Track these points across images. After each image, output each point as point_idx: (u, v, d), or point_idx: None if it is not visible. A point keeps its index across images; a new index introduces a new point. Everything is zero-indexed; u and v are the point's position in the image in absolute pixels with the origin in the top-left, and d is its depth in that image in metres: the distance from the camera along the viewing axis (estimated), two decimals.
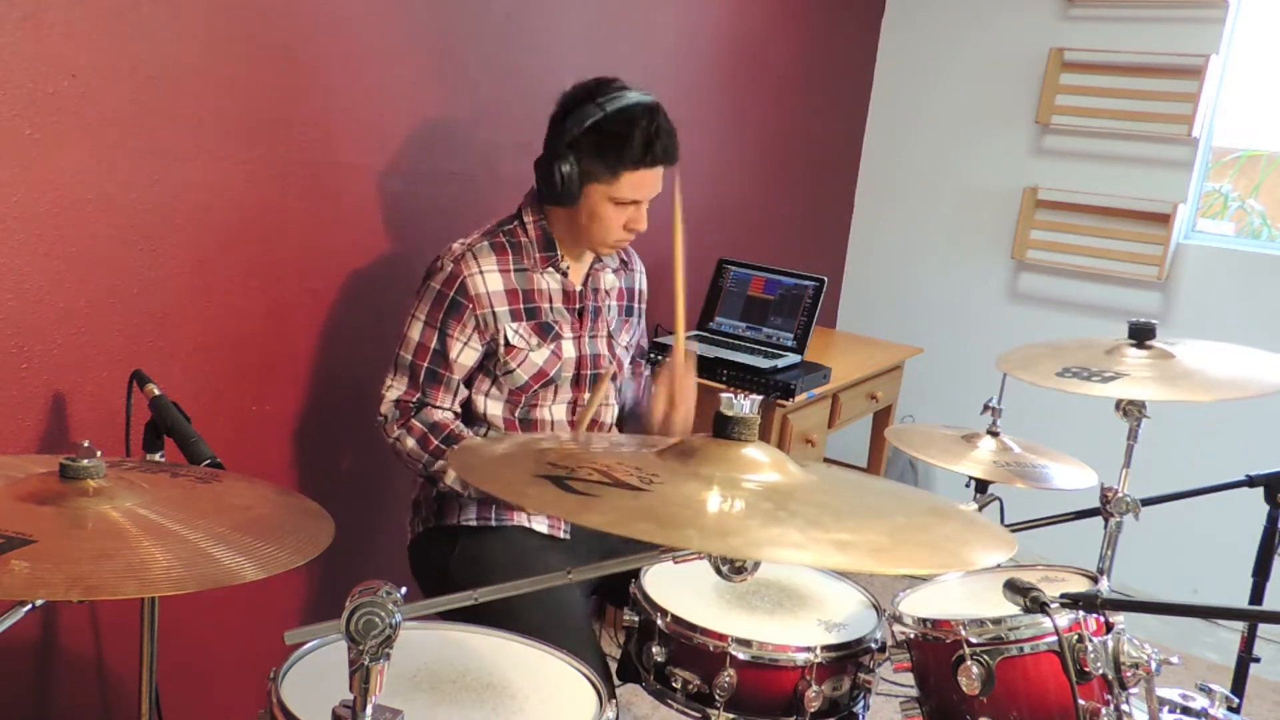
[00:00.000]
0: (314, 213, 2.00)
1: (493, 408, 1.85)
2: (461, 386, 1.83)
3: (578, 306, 1.89)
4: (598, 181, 1.76)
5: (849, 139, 4.08)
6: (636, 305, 2.04)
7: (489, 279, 1.79)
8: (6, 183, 1.52)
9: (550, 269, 1.86)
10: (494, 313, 1.79)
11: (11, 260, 1.55)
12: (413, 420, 1.79)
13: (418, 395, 1.81)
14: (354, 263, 2.11)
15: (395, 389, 1.82)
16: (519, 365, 1.81)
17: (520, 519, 1.84)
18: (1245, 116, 3.62)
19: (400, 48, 2.09)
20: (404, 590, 0.93)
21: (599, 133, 1.73)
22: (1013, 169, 3.81)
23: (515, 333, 1.80)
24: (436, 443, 1.77)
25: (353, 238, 2.10)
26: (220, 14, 1.75)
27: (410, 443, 1.78)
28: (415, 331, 1.81)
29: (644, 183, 1.78)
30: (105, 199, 1.65)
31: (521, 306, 1.81)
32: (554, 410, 1.88)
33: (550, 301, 1.85)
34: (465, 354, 1.80)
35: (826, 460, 3.18)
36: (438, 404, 1.81)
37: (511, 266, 1.82)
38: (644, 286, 2.07)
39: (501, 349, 1.80)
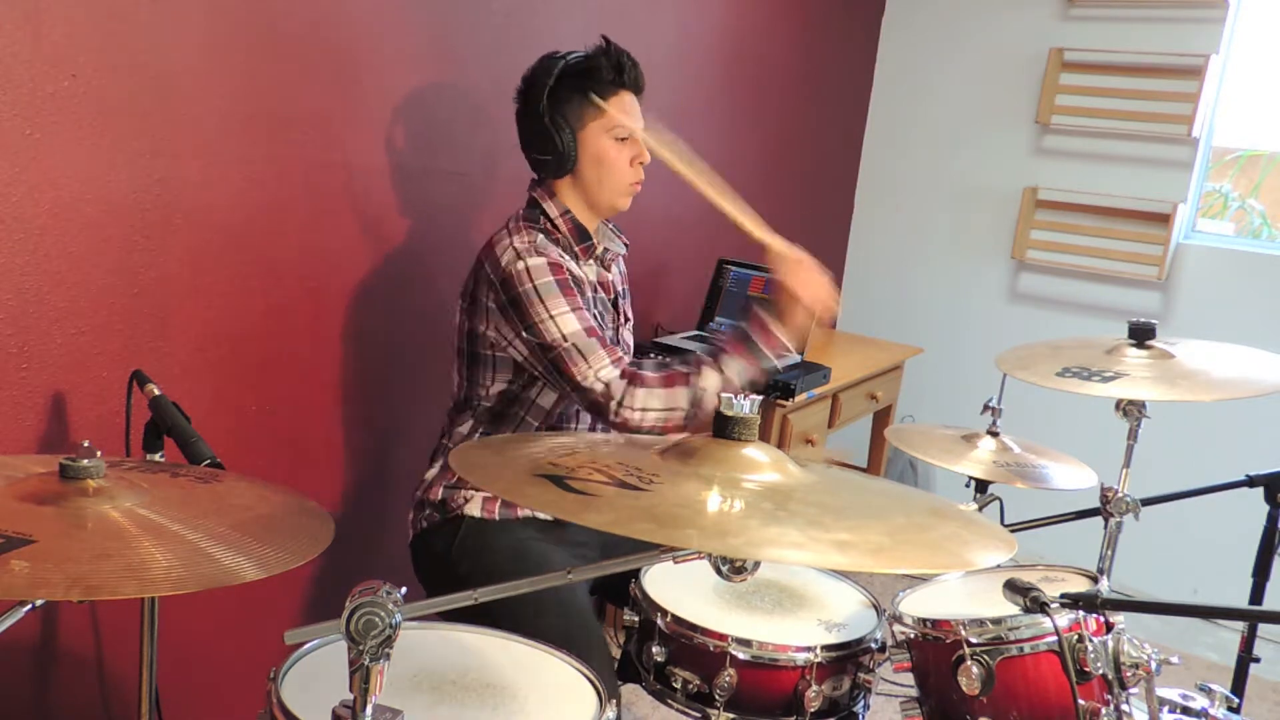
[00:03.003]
0: (314, 213, 2.00)
1: (544, 398, 1.83)
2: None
3: (612, 296, 1.90)
4: (589, 120, 1.78)
5: (849, 139, 4.08)
6: (627, 286, 2.07)
7: (570, 268, 1.78)
8: (6, 183, 1.52)
9: (590, 261, 1.86)
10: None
11: (11, 260, 1.55)
12: (640, 372, 1.69)
13: (619, 353, 1.72)
14: (354, 263, 2.11)
15: (605, 365, 1.68)
16: None
17: (526, 510, 1.84)
18: (1245, 116, 3.62)
19: (400, 47, 2.09)
20: (404, 590, 0.93)
21: (570, 75, 1.77)
22: (1013, 169, 3.81)
23: None
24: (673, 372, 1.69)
25: (353, 238, 2.10)
26: (220, 14, 1.76)
27: (659, 396, 1.67)
28: (571, 323, 1.69)
29: (630, 107, 1.80)
30: (105, 199, 1.65)
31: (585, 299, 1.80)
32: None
33: (594, 292, 1.86)
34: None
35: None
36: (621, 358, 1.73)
37: (569, 260, 1.80)
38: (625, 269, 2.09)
39: None
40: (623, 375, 1.69)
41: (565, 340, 1.69)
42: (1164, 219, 3.51)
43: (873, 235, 4.15)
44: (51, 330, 1.62)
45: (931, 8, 3.92)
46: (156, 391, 1.50)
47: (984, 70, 3.83)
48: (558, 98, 1.77)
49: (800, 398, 2.67)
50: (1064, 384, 1.71)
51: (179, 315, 1.80)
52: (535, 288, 1.72)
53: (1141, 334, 1.81)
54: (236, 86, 1.81)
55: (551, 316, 1.70)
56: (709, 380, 1.68)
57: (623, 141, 1.80)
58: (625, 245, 2.00)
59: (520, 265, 1.73)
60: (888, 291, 4.12)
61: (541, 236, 1.79)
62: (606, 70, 1.77)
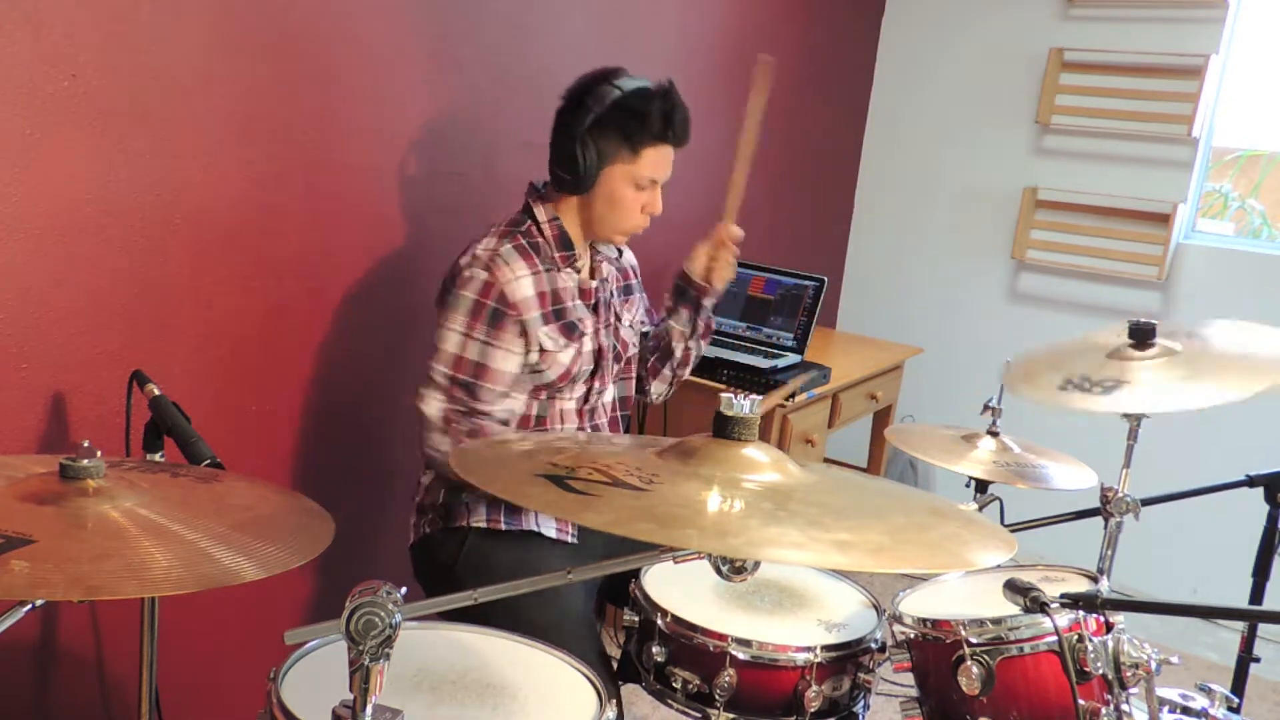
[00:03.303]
0: (314, 213, 2.00)
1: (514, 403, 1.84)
2: (505, 395, 1.79)
3: (593, 302, 1.89)
4: (618, 162, 1.77)
5: (849, 139, 4.08)
6: (634, 281, 2.06)
7: (522, 285, 1.76)
8: (6, 183, 1.52)
9: (569, 268, 1.85)
10: (529, 319, 1.77)
11: (11, 260, 1.55)
12: (464, 440, 1.74)
13: (462, 408, 1.76)
14: (354, 263, 2.11)
15: (435, 403, 1.75)
16: (549, 367, 1.81)
17: (529, 523, 1.84)
18: (1245, 116, 3.62)
19: (400, 47, 2.09)
20: (404, 590, 0.93)
21: (618, 110, 1.74)
22: (1013, 169, 3.81)
23: (547, 336, 1.79)
24: None
25: (352, 238, 2.10)
26: (221, 14, 1.75)
27: None
28: (452, 344, 1.75)
29: (663, 160, 1.79)
30: (105, 199, 1.65)
31: (550, 309, 1.80)
32: (567, 403, 1.88)
33: (572, 299, 1.85)
34: (509, 361, 1.77)
35: (826, 460, 3.18)
36: (482, 412, 1.77)
37: (540, 268, 1.80)
38: (635, 261, 2.08)
39: (536, 354, 1.79)
40: (445, 420, 1.75)
41: (434, 359, 1.76)
42: (1164, 219, 3.51)
43: (872, 235, 4.15)
44: (51, 330, 1.62)
45: (931, 7, 3.92)
46: (156, 391, 1.50)
47: (984, 70, 3.83)
48: (598, 124, 1.75)
49: (800, 398, 2.67)
50: (1066, 399, 1.67)
51: (179, 315, 1.80)
52: (456, 296, 1.76)
53: (1142, 334, 1.79)
54: (237, 87, 1.81)
55: (445, 327, 1.76)
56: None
57: (641, 190, 1.80)
58: (619, 251, 2.00)
59: (468, 273, 1.76)
60: (887, 291, 4.12)
61: (509, 246, 1.77)
62: (655, 121, 1.75)
